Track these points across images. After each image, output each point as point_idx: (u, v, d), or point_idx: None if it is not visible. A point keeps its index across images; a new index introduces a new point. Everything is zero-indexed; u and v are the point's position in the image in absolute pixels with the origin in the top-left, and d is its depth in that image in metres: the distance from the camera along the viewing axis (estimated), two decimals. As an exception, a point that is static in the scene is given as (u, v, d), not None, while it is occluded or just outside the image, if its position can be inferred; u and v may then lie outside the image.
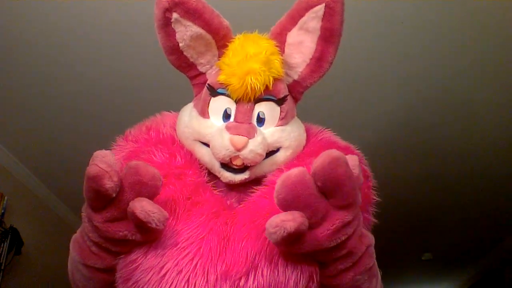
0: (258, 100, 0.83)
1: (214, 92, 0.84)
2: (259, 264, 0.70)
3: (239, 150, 0.78)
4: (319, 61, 0.85)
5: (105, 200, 0.68)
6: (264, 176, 0.83)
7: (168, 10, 0.80)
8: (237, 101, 0.83)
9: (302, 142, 0.88)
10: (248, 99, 0.82)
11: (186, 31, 0.82)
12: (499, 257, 4.65)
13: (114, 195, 0.67)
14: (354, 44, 2.09)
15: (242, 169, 0.82)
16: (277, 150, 0.85)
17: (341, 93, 2.44)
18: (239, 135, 0.79)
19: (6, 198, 2.71)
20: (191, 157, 0.85)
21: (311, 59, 0.86)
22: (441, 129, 2.73)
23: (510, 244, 4.37)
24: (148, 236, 0.71)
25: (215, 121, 0.84)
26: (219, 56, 0.86)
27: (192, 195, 0.78)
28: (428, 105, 2.53)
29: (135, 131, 0.89)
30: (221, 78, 0.82)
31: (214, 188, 0.83)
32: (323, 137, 0.91)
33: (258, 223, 0.73)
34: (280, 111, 0.85)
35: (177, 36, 0.83)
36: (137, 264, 0.71)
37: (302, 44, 0.85)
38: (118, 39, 2.00)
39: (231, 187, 0.85)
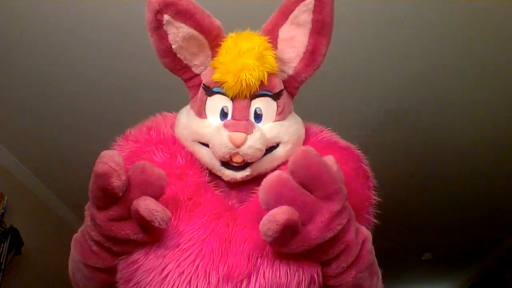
0: (254, 96, 0.83)
1: (209, 91, 0.84)
2: (261, 266, 0.70)
3: (238, 146, 0.78)
4: (312, 55, 0.85)
5: (111, 199, 0.68)
6: (266, 173, 0.83)
7: (159, 12, 0.81)
8: (233, 99, 0.83)
9: (302, 136, 0.89)
10: (244, 96, 0.82)
11: (178, 32, 0.83)
12: (499, 257, 4.65)
13: (120, 194, 0.67)
14: (354, 44, 2.09)
15: (243, 166, 0.82)
16: (277, 145, 0.85)
17: (341, 93, 2.44)
18: (237, 131, 0.79)
19: (6, 198, 2.71)
20: (191, 157, 0.85)
21: (304, 53, 0.85)
22: (441, 129, 2.73)
23: (510, 244, 4.37)
24: (151, 236, 0.71)
25: (213, 120, 0.84)
26: (213, 56, 0.86)
27: (194, 196, 0.78)
28: (428, 105, 2.53)
29: (136, 131, 0.89)
30: (216, 76, 0.82)
31: (215, 189, 0.83)
32: (323, 137, 0.90)
33: (259, 225, 0.73)
34: (277, 106, 0.85)
35: (170, 38, 0.83)
36: (138, 264, 0.71)
37: (294, 38, 0.85)
38: (118, 39, 2.00)
39: (232, 186, 0.85)
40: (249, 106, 0.83)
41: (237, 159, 0.80)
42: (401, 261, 4.89)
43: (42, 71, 2.18)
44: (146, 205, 0.66)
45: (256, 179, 0.81)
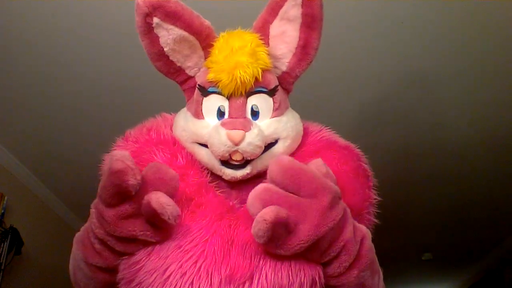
0: (249, 93, 0.83)
1: (205, 91, 0.84)
2: (263, 268, 0.69)
3: (237, 144, 0.79)
4: (304, 49, 0.85)
5: (123, 197, 0.68)
6: (266, 171, 0.83)
7: (148, 15, 0.81)
8: (229, 98, 0.83)
9: (300, 132, 0.89)
10: (239, 94, 0.82)
11: (169, 34, 0.83)
12: (499, 257, 4.65)
13: (133, 193, 0.67)
14: (354, 44, 2.09)
15: (243, 164, 0.82)
16: (276, 142, 0.85)
17: (341, 93, 2.44)
18: (235, 129, 0.79)
19: (6, 198, 2.71)
20: (192, 157, 0.85)
21: (296, 48, 0.86)
22: (441, 129, 2.73)
23: (510, 244, 4.37)
24: (157, 235, 0.71)
25: (210, 120, 0.84)
26: (205, 56, 0.87)
27: (195, 196, 0.78)
28: (428, 105, 2.53)
29: (135, 132, 0.89)
30: (210, 76, 0.83)
31: (216, 189, 0.83)
32: (323, 136, 0.91)
33: None
34: (273, 102, 0.85)
35: (161, 40, 0.83)
36: (140, 265, 0.71)
37: (285, 34, 0.85)
38: (118, 39, 2.00)
39: (233, 186, 0.85)
40: (245, 103, 0.83)
41: (236, 157, 0.80)
42: (401, 261, 4.88)
43: (42, 71, 2.18)
44: (158, 198, 0.67)
45: (256, 178, 0.82)
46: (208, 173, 0.85)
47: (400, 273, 5.33)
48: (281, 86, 0.88)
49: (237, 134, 0.78)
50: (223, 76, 0.81)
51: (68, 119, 2.53)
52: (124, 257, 0.73)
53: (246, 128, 0.79)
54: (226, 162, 0.82)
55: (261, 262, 0.70)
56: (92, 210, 0.73)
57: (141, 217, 0.69)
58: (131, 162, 0.67)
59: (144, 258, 0.71)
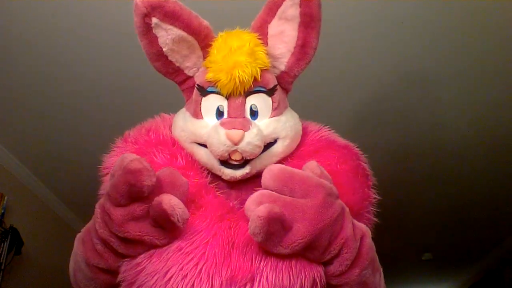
0: (248, 93, 0.83)
1: (204, 91, 0.84)
2: (264, 269, 0.69)
3: (236, 143, 0.79)
4: (303, 48, 0.85)
5: (135, 197, 0.68)
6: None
7: (147, 15, 0.81)
8: (228, 97, 0.83)
9: (299, 132, 0.89)
10: (238, 93, 0.82)
11: (167, 35, 0.83)
12: (499, 257, 4.65)
13: (146, 194, 0.67)
14: (354, 44, 2.09)
15: (242, 163, 0.82)
16: (275, 141, 0.85)
17: (341, 93, 2.44)
18: (234, 129, 0.79)
19: (6, 198, 2.71)
20: (192, 158, 0.85)
21: (295, 47, 0.85)
22: (441, 129, 2.73)
23: (510, 244, 4.37)
24: (163, 238, 0.70)
25: (209, 120, 0.84)
26: (204, 56, 0.87)
27: (195, 198, 0.77)
28: (428, 105, 2.53)
29: (135, 133, 0.89)
30: (209, 76, 0.83)
31: (216, 190, 0.83)
32: (322, 135, 0.91)
33: None
34: (272, 102, 0.85)
35: (160, 41, 0.84)
36: (141, 267, 0.71)
37: (284, 33, 0.85)
38: (118, 39, 2.00)
39: (232, 186, 0.85)
40: (244, 103, 0.83)
41: (236, 157, 0.80)
42: (401, 261, 4.89)
43: (42, 71, 2.18)
44: (170, 200, 0.67)
45: (256, 178, 0.81)
46: (208, 173, 0.85)
47: (400, 273, 5.33)
48: (280, 86, 0.88)
49: (236, 133, 0.78)
50: (221, 76, 0.81)
51: (68, 119, 2.53)
52: (125, 260, 0.72)
53: (245, 127, 0.79)
54: (225, 162, 0.82)
55: (262, 264, 0.70)
56: (97, 210, 0.72)
57: (148, 220, 0.69)
58: (148, 164, 0.67)
59: (145, 261, 0.71)
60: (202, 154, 0.85)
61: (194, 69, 0.88)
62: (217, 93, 0.83)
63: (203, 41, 0.85)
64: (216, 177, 0.85)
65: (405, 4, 1.90)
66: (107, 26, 1.95)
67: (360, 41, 2.07)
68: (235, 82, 0.80)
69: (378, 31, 2.03)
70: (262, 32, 0.86)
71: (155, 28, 0.82)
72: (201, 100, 0.85)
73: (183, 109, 0.91)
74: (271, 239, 0.67)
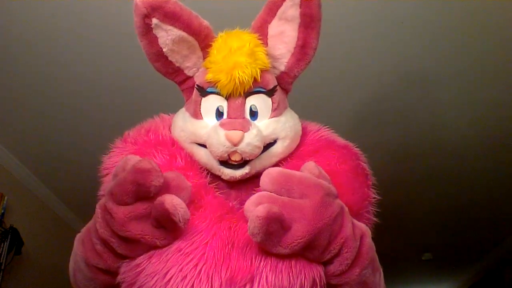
0: (248, 94, 0.83)
1: (203, 92, 0.84)
2: (264, 270, 0.69)
3: (235, 144, 0.79)
4: (303, 49, 0.85)
5: (140, 196, 0.68)
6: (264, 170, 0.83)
7: (147, 16, 0.81)
8: (227, 98, 0.83)
9: (299, 132, 0.89)
10: (238, 94, 0.82)
11: (167, 35, 0.83)
12: (499, 257, 4.65)
13: (152, 194, 0.68)
14: (354, 44, 2.09)
15: (242, 164, 0.82)
16: (274, 142, 0.85)
17: (341, 93, 2.44)
18: (234, 129, 0.79)
19: (6, 198, 2.71)
20: (191, 158, 0.85)
21: (295, 47, 0.85)
22: (441, 129, 2.73)
23: (510, 244, 4.37)
24: (163, 239, 0.70)
25: (209, 120, 0.84)
26: (204, 57, 0.87)
27: (195, 198, 0.77)
28: (428, 105, 2.53)
29: (134, 133, 0.89)
30: (209, 76, 0.83)
31: (216, 190, 0.83)
32: (321, 135, 0.91)
33: None
34: (272, 102, 0.85)
35: (160, 41, 0.84)
36: (141, 268, 0.70)
37: (284, 34, 0.85)
38: (118, 39, 2.00)
39: (232, 186, 0.85)
40: (244, 104, 0.83)
41: (235, 158, 0.80)
42: (401, 261, 4.88)
43: (42, 71, 2.18)
44: (172, 200, 0.67)
45: (255, 179, 0.81)
46: (207, 173, 0.85)
47: (400, 273, 5.33)
48: (280, 86, 0.88)
49: (236, 134, 0.78)
50: (221, 76, 0.81)
51: (68, 119, 2.53)
52: (125, 260, 0.72)
53: (244, 128, 0.79)
54: (225, 162, 0.82)
55: (261, 264, 0.70)
56: (98, 210, 0.72)
57: (149, 220, 0.69)
58: (156, 165, 0.68)
59: (145, 261, 0.70)
60: (201, 154, 0.85)
61: (194, 69, 0.88)
62: (217, 93, 0.83)
63: (203, 41, 0.85)
64: (215, 177, 0.85)
65: (405, 4, 1.90)
66: (107, 26, 1.95)
67: (360, 41, 2.07)
68: (235, 82, 0.80)
69: (378, 31, 2.03)
70: (262, 32, 0.86)
71: (155, 28, 0.82)
72: (200, 101, 0.85)
73: (183, 109, 0.90)
74: (270, 239, 0.67)
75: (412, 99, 2.47)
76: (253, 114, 0.84)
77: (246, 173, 0.83)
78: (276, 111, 0.85)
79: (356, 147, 0.90)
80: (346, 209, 0.73)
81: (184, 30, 0.83)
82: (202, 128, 0.84)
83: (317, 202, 0.67)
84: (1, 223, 2.64)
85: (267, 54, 0.85)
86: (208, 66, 0.84)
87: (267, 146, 0.84)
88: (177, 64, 0.87)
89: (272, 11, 0.85)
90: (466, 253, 4.81)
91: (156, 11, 0.80)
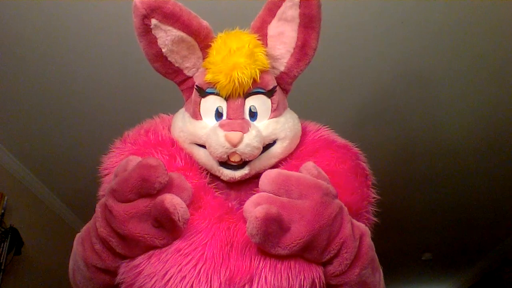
0: (248, 94, 0.83)
1: (203, 92, 0.84)
2: (263, 270, 0.69)
3: (235, 145, 0.79)
4: (303, 49, 0.85)
5: (143, 193, 0.68)
6: (264, 171, 0.83)
7: (146, 17, 0.81)
8: (227, 98, 0.83)
9: (298, 132, 0.89)
10: (237, 95, 0.82)
11: (167, 36, 0.83)
12: (499, 257, 4.65)
13: (155, 192, 0.68)
14: (354, 44, 2.09)
15: (241, 164, 0.82)
16: (274, 142, 0.85)
17: (341, 93, 2.44)
18: (233, 130, 0.79)
19: (6, 198, 2.71)
20: (191, 158, 0.85)
21: (294, 48, 0.85)
22: (441, 129, 2.73)
23: (510, 244, 4.37)
24: (162, 239, 0.70)
25: (208, 121, 0.84)
26: (203, 57, 0.87)
27: (194, 198, 0.77)
28: (428, 105, 2.53)
29: (134, 133, 0.89)
30: (208, 77, 0.83)
31: (215, 190, 0.83)
32: (321, 135, 0.91)
33: None
34: (271, 103, 0.85)
35: (159, 42, 0.83)
36: (140, 269, 0.70)
37: (283, 34, 0.85)
38: (118, 39, 2.00)
39: (231, 187, 0.85)
40: (243, 104, 0.83)
41: (235, 158, 0.80)
42: (401, 261, 4.89)
43: (42, 71, 2.18)
44: (172, 199, 0.67)
45: (255, 179, 0.81)
46: (207, 174, 0.85)
47: (400, 273, 5.33)
48: (280, 87, 0.88)
49: (235, 135, 0.78)
50: (221, 77, 0.81)
51: (68, 119, 2.53)
52: (124, 260, 0.72)
53: (244, 129, 0.79)
54: (224, 163, 0.82)
55: (260, 265, 0.69)
56: (97, 209, 0.72)
57: (149, 220, 0.69)
58: (162, 163, 0.68)
59: (144, 262, 0.70)
60: (201, 155, 0.85)
61: (194, 69, 0.88)
62: (216, 94, 0.83)
63: (203, 41, 0.85)
64: (215, 178, 0.85)
65: (405, 4, 1.90)
66: (107, 26, 1.95)
67: (360, 41, 2.07)
68: (234, 83, 0.80)
69: (378, 31, 2.03)
70: (261, 32, 0.86)
71: (154, 29, 0.82)
72: (200, 101, 0.85)
73: (182, 110, 0.90)
74: (269, 240, 0.67)
75: (412, 98, 2.48)
76: (253, 115, 0.83)
77: (246, 174, 0.83)
78: (276, 111, 0.85)
79: (355, 147, 0.89)
80: (346, 209, 0.73)
81: (183, 31, 0.83)
82: (202, 128, 0.84)
83: (315, 202, 0.67)
84: (1, 223, 2.64)
85: (266, 55, 0.85)
86: (208, 67, 0.84)
87: (267, 146, 0.84)
88: (176, 65, 0.87)
89: (271, 12, 0.85)
90: (466, 253, 4.82)
91: (155, 12, 0.80)
